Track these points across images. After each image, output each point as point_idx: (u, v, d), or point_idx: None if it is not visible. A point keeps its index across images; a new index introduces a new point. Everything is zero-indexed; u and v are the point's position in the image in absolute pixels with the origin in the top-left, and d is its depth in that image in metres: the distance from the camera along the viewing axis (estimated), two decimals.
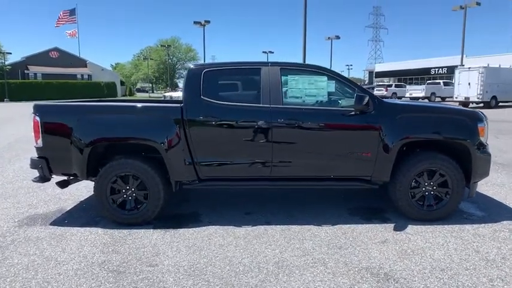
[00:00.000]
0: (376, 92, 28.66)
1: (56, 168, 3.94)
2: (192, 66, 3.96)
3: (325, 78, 3.93)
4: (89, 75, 50.24)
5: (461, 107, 5.08)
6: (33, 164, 3.95)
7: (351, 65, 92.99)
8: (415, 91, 33.32)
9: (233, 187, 4.04)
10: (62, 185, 4.19)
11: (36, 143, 3.90)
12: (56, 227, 3.93)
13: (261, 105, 3.79)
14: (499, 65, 22.01)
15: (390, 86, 37.41)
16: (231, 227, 3.83)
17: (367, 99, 3.64)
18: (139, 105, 3.90)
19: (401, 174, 3.79)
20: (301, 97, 3.94)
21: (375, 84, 46.00)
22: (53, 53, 49.21)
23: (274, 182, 3.94)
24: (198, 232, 3.72)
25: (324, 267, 2.97)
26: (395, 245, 3.37)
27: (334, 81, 3.93)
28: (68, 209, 4.54)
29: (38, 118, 3.83)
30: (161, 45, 55.12)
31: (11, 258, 3.22)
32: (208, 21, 30.96)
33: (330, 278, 2.81)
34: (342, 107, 3.91)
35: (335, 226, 3.81)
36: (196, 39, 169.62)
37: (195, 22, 30.87)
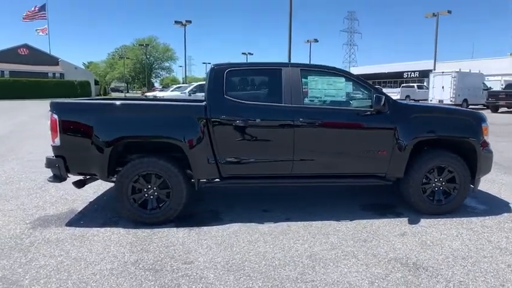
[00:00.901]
0: None
1: (73, 168, 3.86)
2: (213, 65, 4.00)
3: (343, 79, 4.10)
4: (61, 73, 48.36)
5: (465, 108, 5.39)
6: (50, 163, 3.85)
7: None
8: (391, 94, 34.49)
9: (254, 185, 4.11)
10: (79, 185, 4.11)
11: (53, 142, 3.81)
12: (73, 228, 3.85)
13: (283, 104, 3.90)
14: (469, 70, 23.31)
15: None
16: (253, 224, 3.91)
17: (384, 99, 3.83)
18: (163, 103, 3.90)
19: (413, 171, 4.01)
20: (321, 97, 4.09)
21: None
22: (22, 49, 46.96)
23: (295, 180, 4.05)
24: (223, 230, 3.76)
25: (356, 260, 3.11)
26: (414, 237, 3.57)
27: (351, 83, 4.10)
28: (79, 209, 4.44)
29: (55, 116, 3.74)
30: (139, 44, 53.90)
31: (36, 260, 3.14)
32: (189, 21, 30.68)
33: (364, 269, 2.96)
34: (359, 107, 4.08)
35: (353, 221, 3.97)
36: (173, 39, 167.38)
37: (176, 22, 30.50)
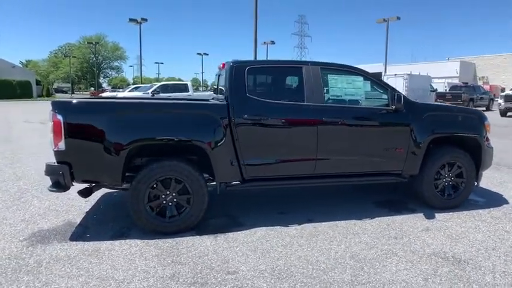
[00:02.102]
0: None
1: (80, 175, 3.44)
2: (233, 62, 3.79)
3: (361, 78, 4.13)
4: None
5: (468, 107, 5.70)
6: (52, 171, 3.38)
7: None
8: None
9: (276, 187, 3.97)
10: (85, 194, 3.68)
11: (57, 147, 3.35)
12: (80, 242, 3.42)
13: (306, 103, 3.81)
14: (419, 73, 25.12)
15: None
16: (278, 227, 3.77)
17: (403, 98, 3.92)
18: (184, 102, 3.60)
19: (427, 167, 4.15)
20: (341, 96, 4.07)
21: None
22: None
23: (318, 180, 3.98)
24: (250, 235, 3.58)
25: (397, 257, 3.12)
26: (439, 231, 3.68)
27: (369, 81, 4.14)
28: (78, 221, 3.98)
29: (60, 117, 3.30)
30: (88, 42, 50.42)
31: (54, 282, 2.73)
32: (145, 19, 29.36)
33: (410, 266, 2.97)
34: (378, 106, 4.13)
35: (374, 219, 4.00)
36: (122, 38, 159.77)
37: (130, 19, 28.99)
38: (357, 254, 3.18)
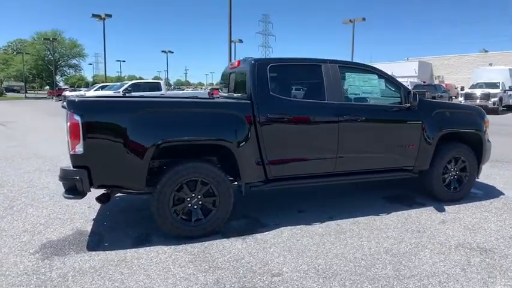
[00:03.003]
0: None
1: (99, 180, 3.20)
2: (254, 60, 3.71)
3: (376, 76, 4.21)
4: None
5: (469, 104, 5.96)
6: (69, 176, 3.12)
7: None
8: None
9: (298, 185, 3.94)
10: (104, 199, 3.44)
11: (74, 150, 3.09)
12: (101, 252, 3.19)
13: (328, 101, 3.82)
14: (392, 73, 26.18)
15: None
16: (302, 226, 3.76)
17: (417, 96, 4.05)
18: (211, 101, 3.46)
19: (436, 162, 4.33)
20: (359, 94, 4.12)
21: None
22: None
23: (337, 178, 4.01)
24: (277, 235, 3.53)
25: (428, 250, 3.22)
26: (454, 223, 3.85)
27: (383, 80, 4.24)
28: (88, 229, 3.71)
29: (77, 118, 3.05)
30: (45, 39, 47.13)
31: None
32: (109, 15, 28.01)
33: (443, 257, 3.07)
34: (394, 104, 4.23)
35: (391, 214, 4.11)
36: (80, 35, 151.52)
37: (93, 15, 27.51)
38: (389, 249, 3.25)
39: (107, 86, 21.93)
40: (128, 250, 3.23)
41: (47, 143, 9.46)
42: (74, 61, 60.81)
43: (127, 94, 16.51)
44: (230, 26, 19.15)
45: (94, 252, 3.19)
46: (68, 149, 3.16)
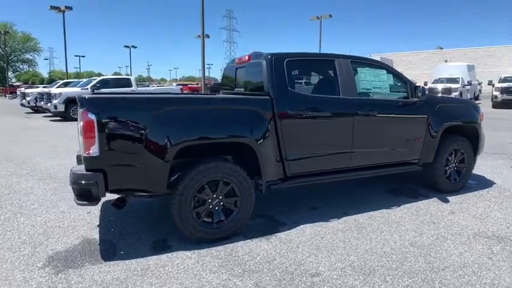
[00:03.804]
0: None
1: (116, 184, 2.95)
2: (270, 55, 3.58)
3: (385, 71, 4.25)
4: None
5: (465, 98, 6.17)
6: (83, 180, 2.84)
7: (211, 64, 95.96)
8: None
9: (315, 182, 3.88)
10: (119, 205, 3.17)
11: (88, 152, 2.82)
12: (120, 261, 2.96)
13: (343, 97, 3.80)
14: None
15: None
16: (322, 223, 3.72)
17: (425, 90, 4.15)
18: (233, 97, 3.30)
19: (439, 155, 4.48)
20: (370, 89, 4.13)
21: None
22: None
23: (352, 173, 4.01)
24: (300, 234, 3.47)
25: (450, 241, 3.31)
26: (463, 213, 4.00)
27: (391, 75, 4.29)
28: (96, 237, 3.43)
29: (92, 116, 2.78)
30: None
31: None
32: (69, 8, 26.25)
33: (466, 248, 3.17)
34: (402, 98, 4.29)
35: (401, 207, 4.19)
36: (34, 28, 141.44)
37: (51, 7, 25.66)
38: (413, 241, 3.30)
39: (71, 82, 20.63)
40: (148, 258, 3.02)
41: (14, 144, 8.74)
42: (27, 56, 56.72)
43: (95, 91, 15.64)
44: (203, 21, 18.73)
45: (112, 262, 2.94)
46: (82, 150, 2.88)
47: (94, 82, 16.22)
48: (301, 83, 4.11)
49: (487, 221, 3.77)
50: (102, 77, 17.70)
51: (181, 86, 22.88)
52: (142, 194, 3.15)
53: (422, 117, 4.31)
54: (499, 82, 20.10)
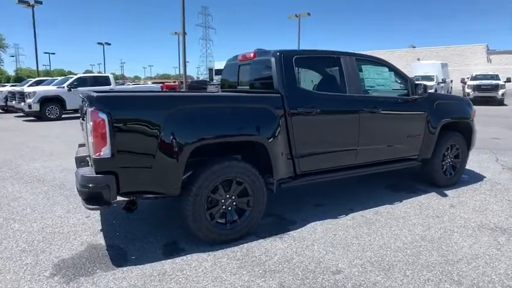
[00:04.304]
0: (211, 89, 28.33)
1: (127, 186, 2.82)
2: (279, 52, 3.54)
3: (387, 69, 4.31)
4: None
5: (459, 96, 6.32)
6: (94, 183, 2.70)
7: (188, 62, 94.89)
8: None
9: (324, 180, 3.88)
10: (131, 208, 3.03)
11: (99, 153, 2.68)
12: (133, 267, 2.84)
13: (350, 94, 3.83)
14: None
15: None
16: (331, 220, 3.74)
17: (426, 88, 4.25)
18: (246, 95, 3.22)
19: (437, 151, 4.60)
20: (374, 86, 4.18)
21: (214, 81, 47.97)
22: None
23: (358, 170, 4.05)
24: (312, 232, 3.46)
25: (458, 234, 3.40)
26: (462, 206, 4.13)
27: (392, 72, 4.35)
28: (102, 243, 3.28)
29: (104, 116, 2.64)
30: None
31: None
32: (39, 2, 25.01)
33: (474, 240, 3.27)
34: (404, 95, 4.37)
35: (403, 202, 4.28)
36: None
37: (20, 1, 24.35)
38: (423, 236, 3.37)
39: (44, 80, 19.70)
40: (163, 262, 2.92)
41: None
42: None
43: (73, 89, 15.04)
44: (183, 19, 18.39)
45: (125, 268, 2.82)
46: (92, 152, 2.73)
47: (71, 80, 15.56)
48: (315, 80, 4.09)
49: (487, 214, 3.91)
50: (79, 75, 17.03)
51: (161, 85, 22.39)
52: (154, 196, 3.03)
53: (422, 114, 4.41)
54: (471, 80, 21.00)
